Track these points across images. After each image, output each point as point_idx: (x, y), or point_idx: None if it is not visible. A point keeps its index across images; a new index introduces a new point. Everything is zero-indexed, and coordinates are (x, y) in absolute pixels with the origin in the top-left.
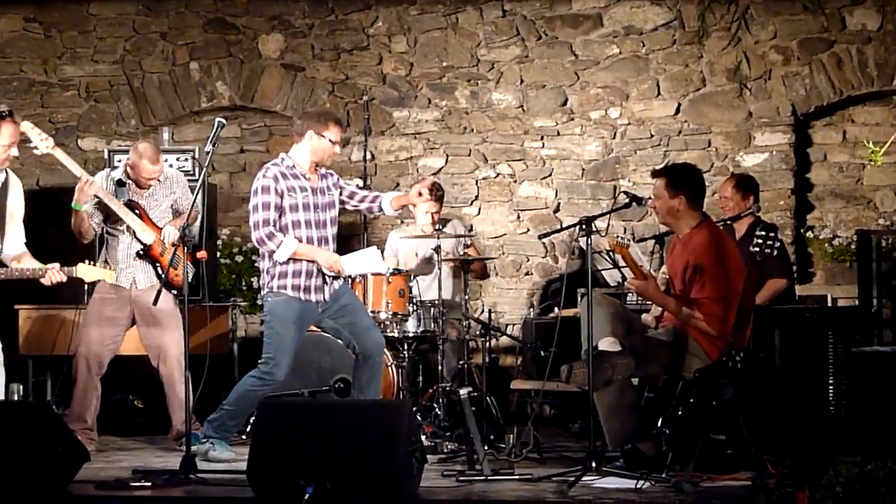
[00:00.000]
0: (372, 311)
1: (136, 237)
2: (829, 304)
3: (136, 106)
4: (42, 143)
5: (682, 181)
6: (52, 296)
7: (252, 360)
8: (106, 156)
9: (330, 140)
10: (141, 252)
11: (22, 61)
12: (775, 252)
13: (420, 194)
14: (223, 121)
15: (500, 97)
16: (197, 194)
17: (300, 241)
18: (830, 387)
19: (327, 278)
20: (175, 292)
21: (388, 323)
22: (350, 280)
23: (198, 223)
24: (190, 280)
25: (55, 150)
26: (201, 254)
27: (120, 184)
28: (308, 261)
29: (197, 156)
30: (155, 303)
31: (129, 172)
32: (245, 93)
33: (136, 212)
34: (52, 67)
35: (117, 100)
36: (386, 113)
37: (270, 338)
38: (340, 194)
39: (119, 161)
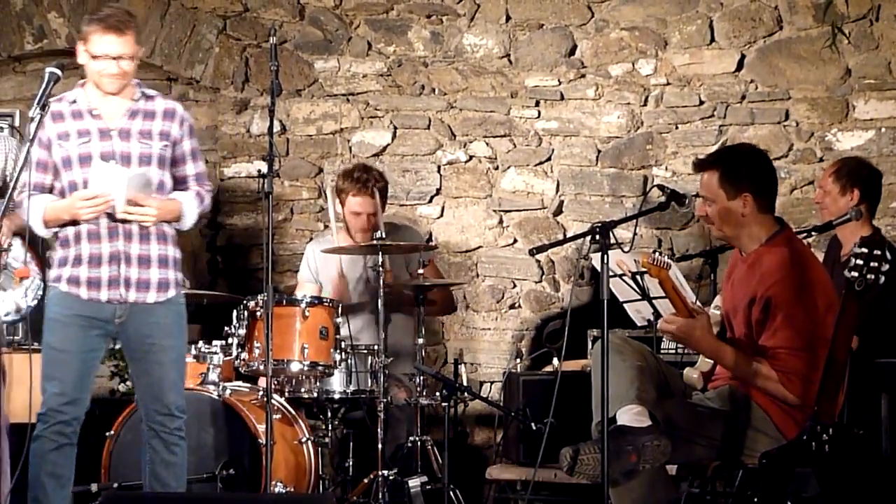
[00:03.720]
0: (276, 361)
1: None
2: None
3: None
4: None
5: (746, 173)
6: None
7: (99, 424)
8: None
9: (92, 55)
10: None
11: None
12: (881, 279)
13: None
14: (57, 71)
15: (476, 41)
16: (17, 178)
17: None
18: None
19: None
20: None
21: (303, 378)
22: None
23: (22, 221)
24: (12, 311)
25: None
26: (21, 271)
27: None
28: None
29: (17, 122)
30: None
31: None
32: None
33: None
34: None
35: None
36: (304, 63)
37: None
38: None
39: None
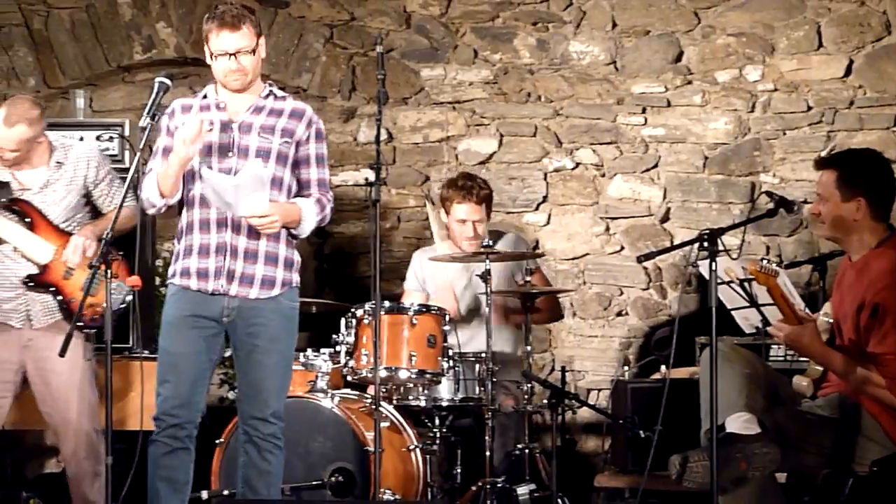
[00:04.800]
0: (386, 369)
1: (24, 255)
2: None
3: (37, 58)
4: None
5: (863, 177)
6: None
7: (209, 432)
8: None
9: (211, 53)
10: (31, 278)
11: None
12: None
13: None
14: (167, 81)
15: (582, 49)
16: (127, 188)
17: None
18: None
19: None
20: (88, 332)
21: (412, 386)
22: None
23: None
24: (117, 315)
25: None
26: (132, 280)
27: (2, 185)
28: None
29: (127, 132)
30: (62, 353)
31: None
32: (199, 39)
33: (26, 216)
34: None
35: (8, 49)
36: (410, 71)
37: None
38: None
39: None
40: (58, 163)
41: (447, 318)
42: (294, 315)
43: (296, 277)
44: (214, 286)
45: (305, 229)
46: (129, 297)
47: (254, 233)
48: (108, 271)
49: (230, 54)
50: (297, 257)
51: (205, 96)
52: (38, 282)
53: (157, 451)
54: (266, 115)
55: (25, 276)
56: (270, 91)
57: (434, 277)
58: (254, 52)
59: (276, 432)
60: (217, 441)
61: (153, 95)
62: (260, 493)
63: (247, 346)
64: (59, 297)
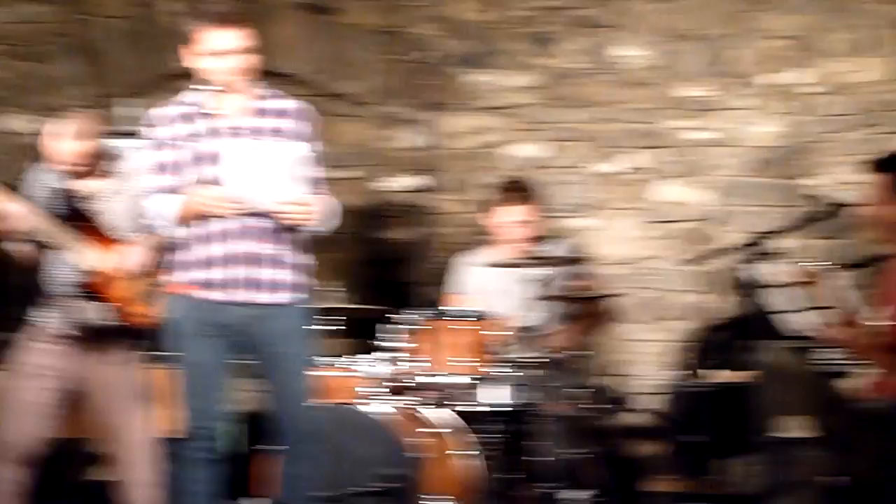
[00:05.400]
0: (435, 374)
1: (78, 264)
2: None
3: (90, 67)
4: None
5: None
6: None
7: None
8: (38, 140)
9: (209, 51)
10: (84, 286)
11: None
12: None
13: None
14: (208, 87)
15: (628, 52)
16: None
17: None
18: None
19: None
20: (140, 339)
21: (465, 391)
22: None
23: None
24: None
25: None
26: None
27: (56, 192)
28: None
29: None
30: (112, 362)
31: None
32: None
33: (78, 224)
34: None
35: (62, 58)
36: (457, 77)
37: None
38: None
39: None
40: (114, 171)
41: (497, 322)
42: (311, 318)
43: (311, 280)
44: (228, 296)
45: (328, 225)
46: None
47: (266, 238)
48: (158, 279)
49: (223, 54)
50: (309, 260)
51: (194, 101)
52: (92, 290)
53: (187, 462)
54: (273, 118)
55: (79, 284)
56: (265, 91)
57: (481, 282)
58: (247, 51)
59: (306, 438)
60: (253, 448)
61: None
62: (295, 497)
63: (268, 352)
64: (112, 305)
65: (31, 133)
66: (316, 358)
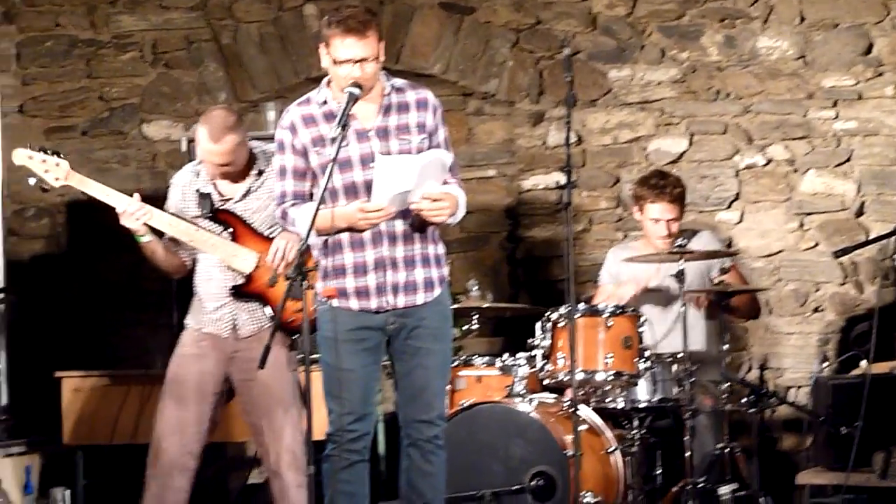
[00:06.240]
0: (583, 371)
1: (229, 266)
2: None
3: (227, 72)
4: (50, 174)
5: None
6: (111, 356)
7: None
8: (184, 146)
9: (334, 59)
10: (237, 288)
11: (59, 11)
12: None
13: None
14: (357, 91)
15: (771, 44)
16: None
17: None
18: None
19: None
20: (293, 341)
21: (609, 388)
22: None
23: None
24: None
25: (72, 178)
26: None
27: (204, 196)
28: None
29: None
30: (261, 366)
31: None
32: (388, 48)
33: (228, 226)
34: (103, 20)
35: (198, 64)
36: (598, 73)
37: None
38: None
39: None
40: (259, 171)
41: (642, 318)
42: (450, 313)
43: (446, 271)
44: (379, 303)
45: (459, 217)
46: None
47: (408, 239)
48: (304, 278)
49: (355, 62)
50: (443, 250)
51: (324, 102)
52: (244, 292)
53: (334, 466)
54: (396, 114)
55: (231, 286)
56: (391, 86)
57: (628, 276)
58: (377, 59)
59: (439, 434)
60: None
61: (344, 106)
62: (425, 495)
63: (409, 350)
64: (267, 307)
65: (176, 139)
66: (464, 357)
